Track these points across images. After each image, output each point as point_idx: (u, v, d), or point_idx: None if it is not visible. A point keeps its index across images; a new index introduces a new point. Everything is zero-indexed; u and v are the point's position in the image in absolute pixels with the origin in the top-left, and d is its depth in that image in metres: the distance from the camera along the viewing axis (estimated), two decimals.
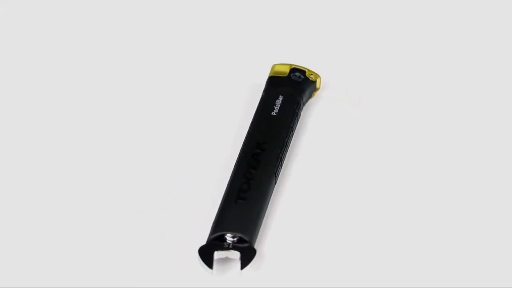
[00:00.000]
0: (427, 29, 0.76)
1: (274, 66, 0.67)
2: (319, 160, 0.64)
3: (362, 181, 0.62)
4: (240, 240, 0.56)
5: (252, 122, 0.63)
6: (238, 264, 0.55)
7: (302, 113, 0.66)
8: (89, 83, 0.70)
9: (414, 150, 0.64)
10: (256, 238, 0.57)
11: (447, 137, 0.66)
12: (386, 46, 0.74)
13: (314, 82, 0.67)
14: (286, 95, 0.65)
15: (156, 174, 0.62)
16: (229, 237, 0.56)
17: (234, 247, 0.55)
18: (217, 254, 0.55)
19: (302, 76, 0.66)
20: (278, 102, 0.64)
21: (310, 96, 0.67)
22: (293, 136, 0.64)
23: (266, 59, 0.69)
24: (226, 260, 0.56)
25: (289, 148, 0.63)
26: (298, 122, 0.65)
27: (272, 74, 0.67)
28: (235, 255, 0.55)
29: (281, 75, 0.66)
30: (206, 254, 0.55)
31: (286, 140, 0.62)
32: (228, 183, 0.59)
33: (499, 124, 0.67)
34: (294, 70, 0.67)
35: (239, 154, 0.61)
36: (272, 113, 0.63)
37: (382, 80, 0.71)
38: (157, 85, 0.70)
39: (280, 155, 0.61)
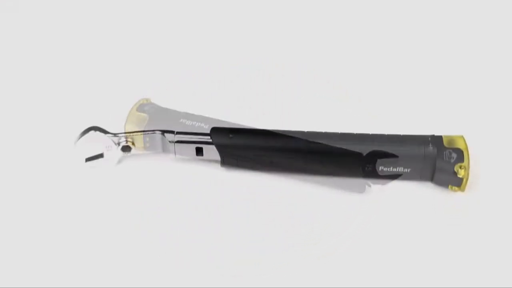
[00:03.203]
0: (427, 29, 0.76)
1: (126, 126, 0.65)
2: None
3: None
4: None
5: (232, 151, 0.62)
6: None
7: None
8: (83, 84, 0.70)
9: None
10: None
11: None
12: (386, 47, 0.74)
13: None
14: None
15: (156, 174, 0.63)
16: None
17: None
18: None
19: (151, 104, 0.66)
20: (200, 127, 0.64)
21: None
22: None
23: None
24: None
25: None
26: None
27: (145, 126, 0.64)
28: None
29: (143, 122, 0.65)
30: None
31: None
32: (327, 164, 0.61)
33: (498, 124, 0.67)
34: (141, 108, 0.65)
35: (278, 162, 0.61)
36: (229, 136, 0.62)
37: (382, 80, 0.71)
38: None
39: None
